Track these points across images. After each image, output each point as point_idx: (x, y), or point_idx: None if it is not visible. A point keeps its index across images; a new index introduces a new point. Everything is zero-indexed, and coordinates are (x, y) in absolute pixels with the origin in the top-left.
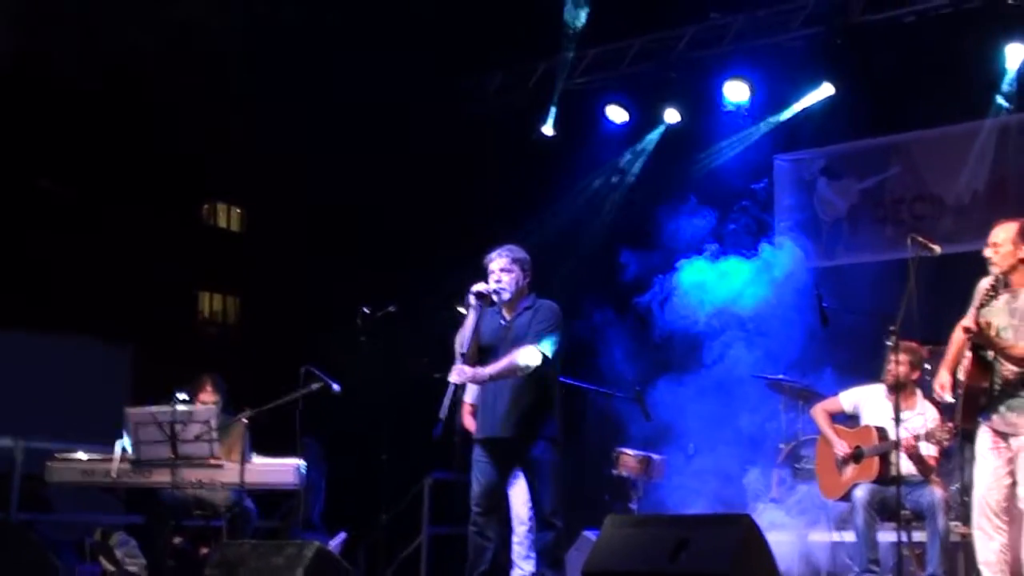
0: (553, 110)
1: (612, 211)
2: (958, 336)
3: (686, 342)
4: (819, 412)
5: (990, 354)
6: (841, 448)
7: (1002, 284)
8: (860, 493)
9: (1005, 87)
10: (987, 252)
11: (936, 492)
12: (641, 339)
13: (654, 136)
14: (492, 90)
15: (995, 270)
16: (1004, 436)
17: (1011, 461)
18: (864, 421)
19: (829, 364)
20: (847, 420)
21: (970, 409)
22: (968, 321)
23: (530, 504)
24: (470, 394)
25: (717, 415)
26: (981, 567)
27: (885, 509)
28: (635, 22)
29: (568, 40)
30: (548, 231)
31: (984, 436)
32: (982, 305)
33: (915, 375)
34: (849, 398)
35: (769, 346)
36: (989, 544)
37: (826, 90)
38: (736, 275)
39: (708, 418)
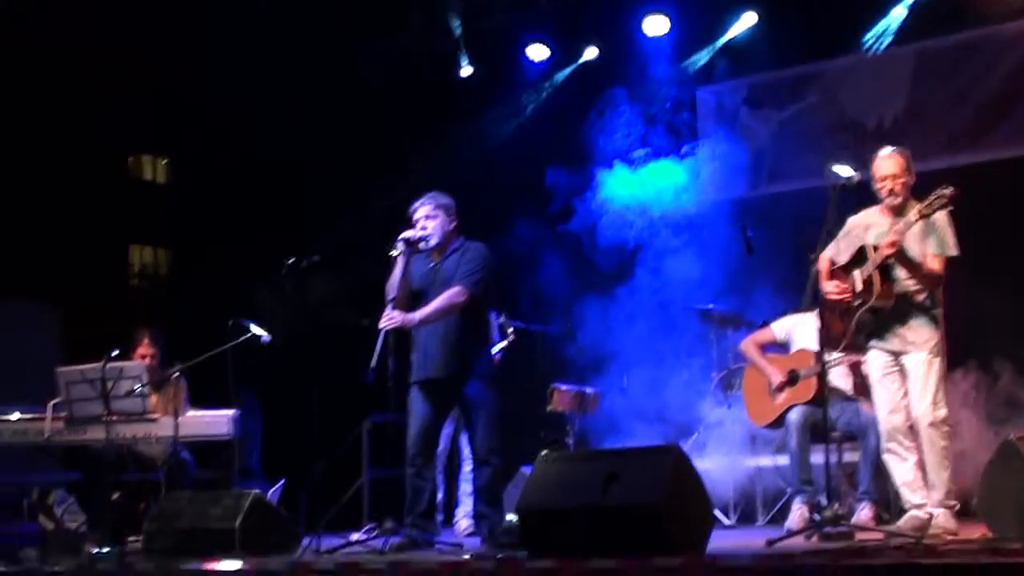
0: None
1: (536, 136)
2: (842, 259)
3: (616, 262)
4: (749, 345)
5: (902, 273)
6: (776, 376)
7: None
8: (794, 416)
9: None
10: (886, 184)
11: (868, 411)
12: (573, 264)
13: (569, 71)
14: (412, 32)
15: (895, 200)
16: (896, 356)
17: (904, 380)
18: (796, 346)
19: (756, 290)
20: (778, 348)
21: (859, 330)
22: (892, 239)
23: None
24: None
25: (649, 345)
26: (901, 488)
27: (818, 431)
28: None
29: None
30: (475, 166)
31: (878, 359)
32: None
33: None
34: (780, 327)
35: (697, 272)
36: (904, 464)
37: (749, 19)
38: (662, 178)
39: (641, 349)
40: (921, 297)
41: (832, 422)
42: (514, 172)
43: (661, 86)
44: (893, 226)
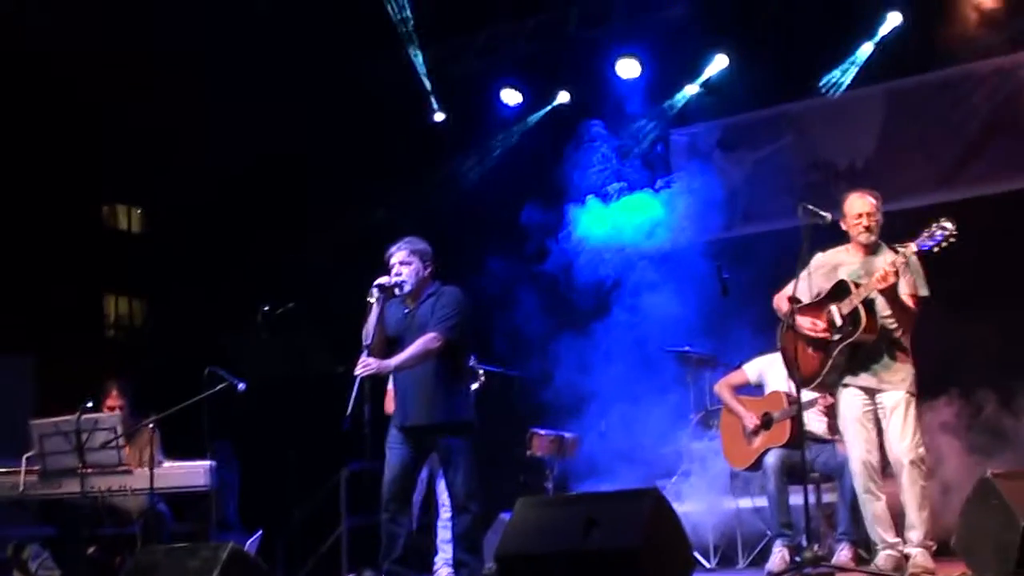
0: (433, 97)
1: (510, 176)
2: (810, 296)
3: (592, 301)
4: (723, 387)
5: (884, 309)
6: (750, 420)
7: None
8: (771, 459)
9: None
10: (861, 221)
11: (843, 452)
12: (549, 305)
13: (541, 113)
14: (387, 76)
15: (870, 237)
16: (872, 393)
17: (878, 419)
18: (770, 388)
19: (732, 332)
20: (753, 390)
21: (836, 366)
22: (888, 272)
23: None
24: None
25: (627, 387)
26: (874, 527)
27: (795, 473)
28: (523, 3)
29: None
30: (450, 207)
31: (853, 398)
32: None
33: None
34: (753, 368)
35: (673, 313)
36: (879, 503)
37: (720, 62)
38: (637, 212)
39: (618, 390)
40: (898, 335)
41: (809, 463)
42: (488, 212)
43: (635, 126)
44: (865, 265)
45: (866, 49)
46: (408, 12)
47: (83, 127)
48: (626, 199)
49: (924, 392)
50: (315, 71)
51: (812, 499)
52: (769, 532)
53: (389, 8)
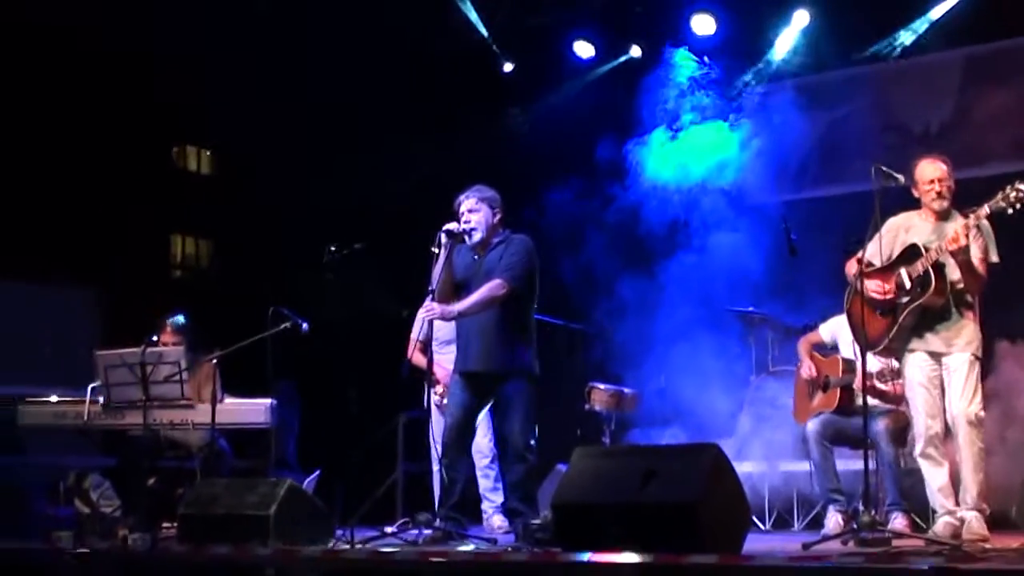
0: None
1: (579, 115)
2: (882, 259)
3: (658, 248)
4: (802, 343)
5: (953, 273)
6: (806, 371)
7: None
8: (811, 426)
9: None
10: (933, 187)
11: (880, 422)
12: (613, 251)
13: (612, 65)
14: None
15: (943, 203)
16: (938, 357)
17: (942, 382)
18: (842, 350)
19: (798, 293)
20: (832, 350)
21: (904, 329)
22: (959, 235)
23: (492, 436)
24: (417, 329)
25: (688, 344)
26: (935, 494)
27: (840, 438)
28: None
29: None
30: (516, 154)
31: (920, 362)
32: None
33: None
34: (827, 329)
35: (738, 272)
36: (940, 469)
37: (801, 18)
38: (708, 142)
39: (679, 348)
40: (967, 298)
41: (856, 431)
42: (556, 153)
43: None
44: (937, 231)
45: (943, 8)
46: None
47: (158, 68)
48: (697, 128)
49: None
50: (389, 22)
51: (861, 465)
52: (820, 499)
53: None
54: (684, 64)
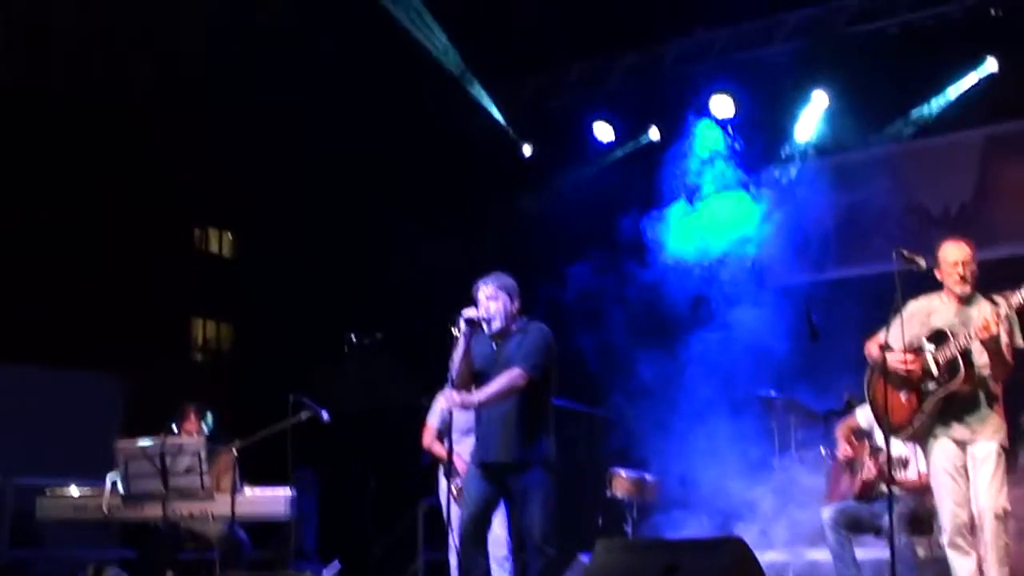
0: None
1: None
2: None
3: (678, 325)
4: (841, 427)
5: (980, 360)
6: (842, 452)
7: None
8: (826, 514)
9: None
10: (956, 270)
11: (900, 507)
12: (633, 331)
13: (631, 147)
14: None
15: (965, 287)
16: (963, 445)
17: (967, 471)
18: (876, 439)
19: (821, 377)
20: (867, 436)
21: (929, 416)
22: (989, 322)
23: (507, 527)
24: (436, 418)
25: (709, 429)
26: None
27: (855, 525)
28: (621, 38)
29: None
30: (537, 239)
31: (945, 450)
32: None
33: None
34: (864, 414)
35: (759, 357)
36: (968, 559)
37: (820, 100)
38: (728, 212)
39: (700, 434)
40: (992, 386)
41: (869, 518)
42: (573, 232)
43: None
44: (960, 315)
45: (960, 88)
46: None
47: (179, 149)
48: (717, 199)
49: None
50: (406, 106)
51: (887, 554)
52: None
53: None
54: (706, 135)
